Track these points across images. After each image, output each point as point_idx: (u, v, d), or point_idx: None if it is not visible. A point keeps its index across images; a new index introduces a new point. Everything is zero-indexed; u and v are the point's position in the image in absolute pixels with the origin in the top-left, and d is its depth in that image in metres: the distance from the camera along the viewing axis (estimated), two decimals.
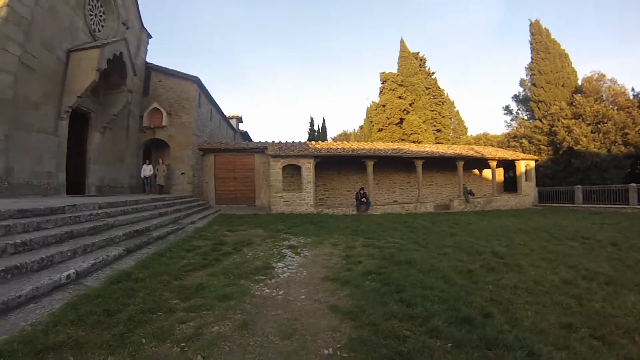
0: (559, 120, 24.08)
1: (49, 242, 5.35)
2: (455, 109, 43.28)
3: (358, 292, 4.55)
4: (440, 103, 38.32)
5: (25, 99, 10.45)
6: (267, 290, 4.67)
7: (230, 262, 6.20)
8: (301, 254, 7.04)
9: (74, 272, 4.59)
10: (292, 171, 17.91)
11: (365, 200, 16.77)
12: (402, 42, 36.30)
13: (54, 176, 11.67)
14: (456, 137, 40.16)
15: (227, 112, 29.37)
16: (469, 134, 41.70)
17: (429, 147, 21.70)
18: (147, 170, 16.43)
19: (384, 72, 35.76)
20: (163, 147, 18.31)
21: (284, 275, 5.50)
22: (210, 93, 20.82)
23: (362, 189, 17.21)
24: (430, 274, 5.43)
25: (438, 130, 37.33)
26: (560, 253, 7.43)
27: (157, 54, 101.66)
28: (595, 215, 15.75)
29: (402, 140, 32.06)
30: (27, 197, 10.03)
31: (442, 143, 33.89)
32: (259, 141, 22.00)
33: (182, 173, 17.78)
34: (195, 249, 7.15)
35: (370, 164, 17.58)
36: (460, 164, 19.37)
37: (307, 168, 16.61)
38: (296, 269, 5.91)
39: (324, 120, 49.23)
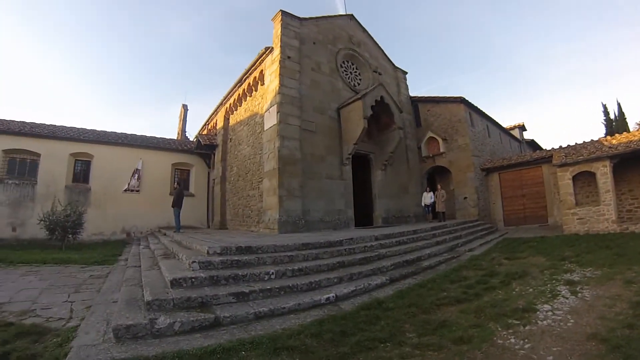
0: None
1: (321, 270, 6.47)
2: None
3: None
4: None
5: (312, 155, 13.37)
6: (512, 340, 3.90)
7: (491, 298, 5.57)
8: (579, 294, 5.55)
9: (333, 296, 5.39)
10: (587, 179, 14.48)
11: None
12: None
13: (344, 212, 13.93)
14: None
15: (508, 123, 27.92)
16: None
17: None
18: (427, 198, 16.33)
19: None
20: (445, 173, 18.62)
21: (544, 322, 4.43)
22: (482, 109, 20.31)
23: None
24: None
25: None
26: None
27: (426, 83, 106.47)
28: None
29: None
30: (320, 231, 12.44)
31: None
32: (545, 149, 19.53)
33: (465, 197, 17.42)
34: (461, 280, 6.80)
35: None
36: None
37: (603, 173, 13.20)
38: (563, 315, 4.66)
39: (619, 105, 37.08)
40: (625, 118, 36.76)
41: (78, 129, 17.67)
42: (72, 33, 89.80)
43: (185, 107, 29.89)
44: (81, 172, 16.90)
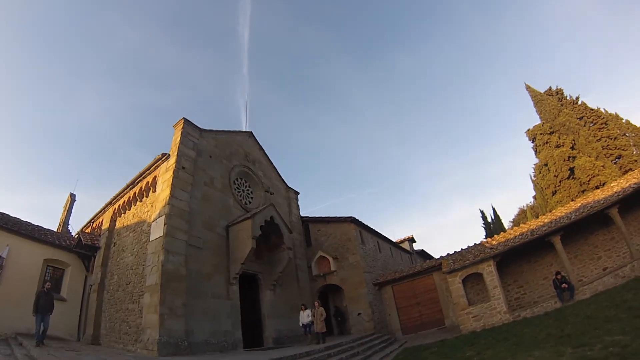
0: None
1: None
2: (624, 120, 33.76)
3: None
4: (604, 126, 31.51)
5: (198, 272, 12.84)
6: None
7: None
8: None
9: None
10: (475, 279, 16.08)
11: (566, 286, 13.84)
12: (528, 87, 33.48)
13: (231, 334, 13.20)
14: None
15: (398, 236, 30.36)
16: None
17: (616, 184, 17.01)
18: (304, 316, 14.66)
19: (529, 129, 32.64)
20: (338, 290, 18.93)
21: None
22: (373, 226, 21.52)
23: (557, 273, 14.34)
24: None
25: (618, 157, 30.15)
26: None
27: (324, 199, 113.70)
28: None
29: (583, 192, 26.68)
30: (204, 354, 11.53)
31: (630, 169, 26.65)
32: (434, 258, 21.38)
33: (359, 313, 17.76)
34: None
35: (557, 240, 14.75)
36: None
37: (489, 272, 14.90)
38: None
39: (494, 210, 43.44)
40: (501, 219, 41.80)
41: None
42: None
43: (72, 197, 27.71)
44: None
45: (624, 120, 33.74)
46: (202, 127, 15.50)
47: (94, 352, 11.60)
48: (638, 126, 32.60)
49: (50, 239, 17.75)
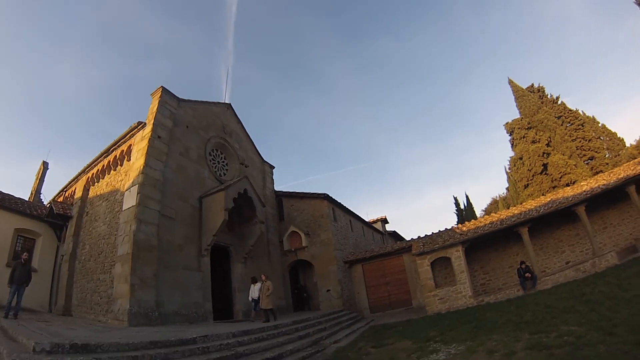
0: None
1: None
2: (600, 124, 35.09)
3: None
4: (580, 127, 32.66)
5: (170, 243, 12.79)
6: None
7: None
8: None
9: None
10: (444, 263, 16.39)
11: (529, 276, 14.33)
12: (510, 82, 34.21)
13: (201, 305, 13.20)
14: (615, 156, 32.35)
15: (371, 216, 30.52)
16: (628, 144, 33.44)
17: (586, 184, 17.59)
18: (255, 291, 13.33)
19: (507, 123, 33.55)
20: (308, 266, 19.07)
21: None
22: (347, 204, 21.92)
23: (522, 262, 14.83)
24: None
25: (590, 159, 31.39)
26: None
27: (300, 175, 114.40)
28: None
29: (554, 188, 27.67)
30: (174, 325, 11.47)
31: (601, 171, 27.60)
32: (405, 240, 21.55)
33: (328, 290, 18.00)
34: None
35: (524, 232, 15.20)
36: (632, 189, 14.89)
37: (457, 257, 15.23)
38: None
39: (467, 197, 44.30)
40: (473, 208, 42.59)
41: None
42: None
43: (45, 165, 27.02)
44: None
45: (600, 124, 34.99)
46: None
47: (65, 322, 11.36)
48: (613, 131, 33.89)
49: (21, 208, 17.13)
